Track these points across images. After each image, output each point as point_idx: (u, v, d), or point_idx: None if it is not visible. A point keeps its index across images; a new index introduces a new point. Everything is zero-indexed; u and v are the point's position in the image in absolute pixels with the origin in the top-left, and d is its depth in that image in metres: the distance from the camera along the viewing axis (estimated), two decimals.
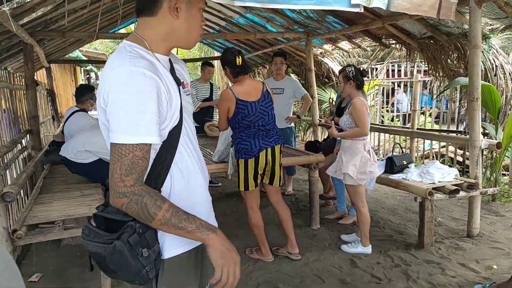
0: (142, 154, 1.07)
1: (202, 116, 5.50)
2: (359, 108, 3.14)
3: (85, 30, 5.19)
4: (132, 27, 9.14)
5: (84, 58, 9.82)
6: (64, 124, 4.41)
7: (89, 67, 12.94)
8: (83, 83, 13.84)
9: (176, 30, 1.18)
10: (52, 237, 2.57)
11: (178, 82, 1.23)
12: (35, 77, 4.85)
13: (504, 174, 5.10)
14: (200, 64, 5.88)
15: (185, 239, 1.18)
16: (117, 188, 1.05)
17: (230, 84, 4.95)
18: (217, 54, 10.13)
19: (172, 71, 1.26)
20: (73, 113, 4.25)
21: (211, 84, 5.64)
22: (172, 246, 1.20)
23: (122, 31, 8.08)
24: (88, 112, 4.32)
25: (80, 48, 9.20)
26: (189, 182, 1.24)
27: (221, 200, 4.98)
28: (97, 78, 18.27)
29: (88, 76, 15.91)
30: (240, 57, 2.91)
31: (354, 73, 3.21)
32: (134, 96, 1.04)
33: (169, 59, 1.27)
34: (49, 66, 7.05)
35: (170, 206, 1.08)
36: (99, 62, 10.43)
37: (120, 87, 1.05)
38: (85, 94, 4.27)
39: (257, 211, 3.19)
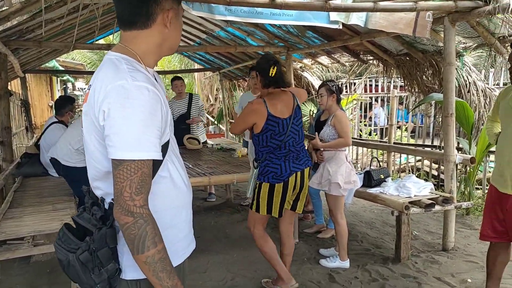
0: (148, 171, 1.05)
1: (180, 130, 5.32)
2: (342, 119, 3.27)
3: (63, 40, 5.09)
4: (110, 37, 9.05)
5: (61, 68, 9.65)
6: (41, 135, 4.31)
7: (66, 77, 12.72)
8: (60, 94, 13.56)
9: (167, 39, 1.19)
10: (20, 254, 2.46)
11: None
12: (9, 87, 4.72)
13: (477, 188, 5.23)
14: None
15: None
16: (126, 206, 1.02)
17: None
18: (197, 66, 10.12)
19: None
20: (50, 124, 4.15)
21: (191, 96, 5.42)
22: None
23: (101, 41, 8.00)
24: (68, 124, 4.23)
25: (57, 58, 9.04)
26: (176, 200, 1.22)
27: (200, 214, 4.92)
28: (74, 88, 17.95)
29: (64, 86, 15.60)
30: (275, 68, 2.62)
31: (336, 88, 3.35)
32: (139, 110, 1.02)
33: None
34: (24, 76, 6.88)
35: (163, 248, 1.05)
36: (77, 73, 10.26)
37: (123, 102, 1.02)
38: (65, 106, 4.18)
39: (264, 233, 2.82)
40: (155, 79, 1.25)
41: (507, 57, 2.42)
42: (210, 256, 3.56)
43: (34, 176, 4.17)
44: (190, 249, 1.31)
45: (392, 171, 6.18)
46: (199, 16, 4.01)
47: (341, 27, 3.56)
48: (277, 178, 2.63)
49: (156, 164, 1.13)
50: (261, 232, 2.80)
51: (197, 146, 5.32)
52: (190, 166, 4.07)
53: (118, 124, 1.01)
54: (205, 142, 5.63)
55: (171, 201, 1.20)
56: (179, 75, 6.27)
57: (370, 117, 9.38)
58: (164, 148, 1.16)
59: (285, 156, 2.65)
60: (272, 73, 2.61)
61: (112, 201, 1.11)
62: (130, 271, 1.14)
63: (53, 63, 8.50)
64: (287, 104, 2.67)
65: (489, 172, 5.26)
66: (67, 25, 4.25)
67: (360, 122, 8.69)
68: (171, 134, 1.22)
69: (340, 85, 3.46)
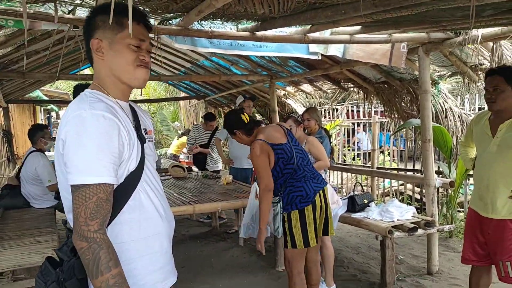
0: (106, 196, 1.07)
1: (197, 159, 5.91)
2: (316, 143, 3.39)
3: (47, 71, 5.12)
4: None
5: (45, 98, 9.60)
6: (21, 166, 4.28)
7: (50, 106, 12.64)
8: (44, 123, 13.44)
9: (111, 70, 1.21)
10: None
11: (138, 128, 1.26)
12: None
13: (459, 211, 5.32)
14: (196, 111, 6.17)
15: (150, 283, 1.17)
16: (81, 231, 1.05)
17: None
18: (182, 94, 10.21)
19: (135, 117, 1.28)
20: (28, 155, 4.15)
21: (215, 129, 5.86)
22: None
23: (86, 71, 8.02)
24: (46, 152, 4.24)
25: (41, 88, 9.00)
26: (146, 231, 1.23)
27: (185, 243, 4.86)
28: (58, 117, 17.82)
29: (48, 115, 15.47)
30: (244, 114, 2.68)
31: (301, 118, 3.59)
32: (93, 137, 1.06)
33: (132, 106, 1.30)
34: (6, 106, 6.84)
35: (118, 274, 1.06)
36: (61, 102, 10.22)
37: (79, 129, 1.06)
38: (35, 134, 4.23)
39: (303, 276, 2.70)
40: (133, 109, 1.29)
41: (483, 85, 2.54)
42: (196, 287, 3.51)
43: (15, 208, 4.09)
44: (167, 283, 1.30)
45: (376, 195, 6.25)
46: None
47: (320, 57, 3.70)
48: (305, 201, 2.55)
49: (124, 193, 1.16)
50: (301, 271, 2.66)
51: (182, 174, 5.32)
52: (175, 194, 4.06)
53: (72, 151, 1.06)
54: (218, 172, 5.84)
55: (140, 232, 1.21)
56: (211, 113, 6.58)
57: (354, 142, 9.54)
58: (135, 176, 1.19)
59: (304, 177, 2.61)
60: (246, 119, 2.66)
61: None
62: None
63: (36, 93, 8.45)
64: (278, 131, 2.69)
65: (470, 195, 5.38)
66: (51, 56, 4.30)
67: (344, 147, 8.82)
68: (148, 163, 1.25)
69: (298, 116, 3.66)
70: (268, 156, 2.54)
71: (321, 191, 2.63)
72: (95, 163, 1.06)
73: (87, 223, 1.04)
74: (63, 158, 1.09)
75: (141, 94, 8.68)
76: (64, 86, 15.70)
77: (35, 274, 1.20)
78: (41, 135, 4.21)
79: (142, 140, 1.24)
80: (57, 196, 4.14)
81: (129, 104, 1.30)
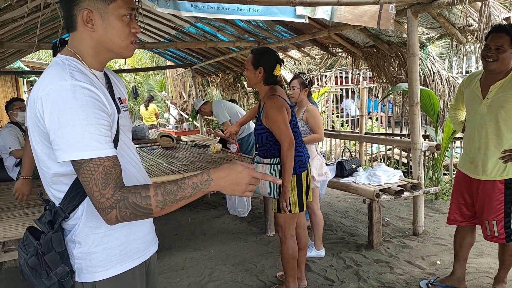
0: (112, 162, 1.02)
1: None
2: (316, 114, 3.30)
3: (26, 40, 4.95)
4: None
5: (26, 69, 9.35)
6: None
7: (33, 78, 12.33)
8: (27, 95, 13.16)
9: (100, 42, 1.14)
10: None
11: (113, 97, 1.20)
12: None
13: (445, 174, 5.43)
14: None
15: (119, 260, 1.16)
16: (102, 205, 1.00)
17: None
18: (169, 63, 10.01)
19: (110, 86, 1.23)
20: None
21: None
22: (104, 267, 1.14)
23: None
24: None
25: (23, 59, 8.75)
26: None
27: (176, 211, 4.89)
28: None
29: (32, 87, 15.13)
30: (280, 67, 2.51)
31: (309, 81, 3.36)
32: (82, 109, 0.99)
33: (106, 74, 1.24)
34: None
35: (155, 188, 1.02)
36: None
37: (65, 103, 0.99)
38: (6, 108, 4.27)
39: (295, 239, 2.70)
40: (108, 80, 1.24)
41: (471, 47, 2.48)
42: (188, 253, 3.57)
43: (2, 181, 4.06)
44: (149, 252, 1.29)
45: (365, 160, 6.33)
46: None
47: (307, 21, 3.62)
48: (303, 166, 2.55)
49: None
50: (294, 234, 2.66)
51: (171, 143, 5.30)
52: (164, 164, 4.06)
53: (62, 126, 0.99)
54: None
55: None
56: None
57: (342, 109, 9.54)
58: None
59: (301, 143, 2.62)
60: (278, 71, 2.48)
61: (59, 205, 1.11)
62: (84, 273, 1.13)
63: (18, 64, 8.22)
64: (285, 96, 2.59)
65: (456, 157, 5.48)
66: (30, 24, 4.14)
67: (333, 113, 8.83)
68: (123, 134, 1.20)
69: (311, 78, 3.49)
70: (286, 113, 2.44)
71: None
72: (91, 136, 1.00)
73: (102, 193, 0.99)
74: (50, 135, 1.01)
75: (125, 63, 8.49)
76: (46, 57, 15.27)
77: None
78: (10, 108, 4.27)
79: (118, 110, 1.18)
80: (18, 164, 4.13)
81: (104, 71, 1.24)
